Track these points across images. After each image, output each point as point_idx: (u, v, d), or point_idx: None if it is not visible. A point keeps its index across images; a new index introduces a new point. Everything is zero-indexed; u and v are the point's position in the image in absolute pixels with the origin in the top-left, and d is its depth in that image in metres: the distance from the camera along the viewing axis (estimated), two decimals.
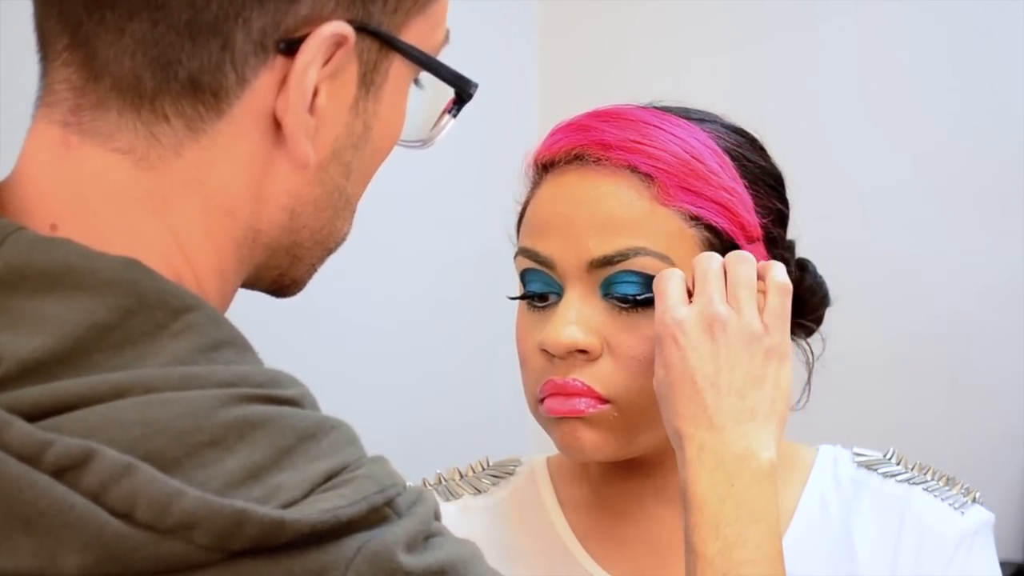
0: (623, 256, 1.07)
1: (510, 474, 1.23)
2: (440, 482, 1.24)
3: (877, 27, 2.39)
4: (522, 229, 1.14)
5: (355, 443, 0.73)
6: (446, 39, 0.84)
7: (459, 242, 2.44)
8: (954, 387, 2.33)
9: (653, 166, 1.08)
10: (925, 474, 1.18)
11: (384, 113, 0.81)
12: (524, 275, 1.12)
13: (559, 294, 1.09)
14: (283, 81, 0.75)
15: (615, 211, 1.08)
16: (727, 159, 1.11)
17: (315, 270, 0.84)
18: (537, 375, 1.09)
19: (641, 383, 1.07)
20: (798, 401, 1.21)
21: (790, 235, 1.17)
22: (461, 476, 1.24)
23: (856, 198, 2.39)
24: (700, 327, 1.02)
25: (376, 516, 0.70)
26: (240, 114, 0.75)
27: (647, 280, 1.06)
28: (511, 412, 2.59)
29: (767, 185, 1.14)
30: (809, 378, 1.21)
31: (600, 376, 1.07)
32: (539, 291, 1.10)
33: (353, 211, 0.83)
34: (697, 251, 1.08)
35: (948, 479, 1.18)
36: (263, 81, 0.74)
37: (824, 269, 1.21)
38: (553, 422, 1.09)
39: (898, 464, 1.19)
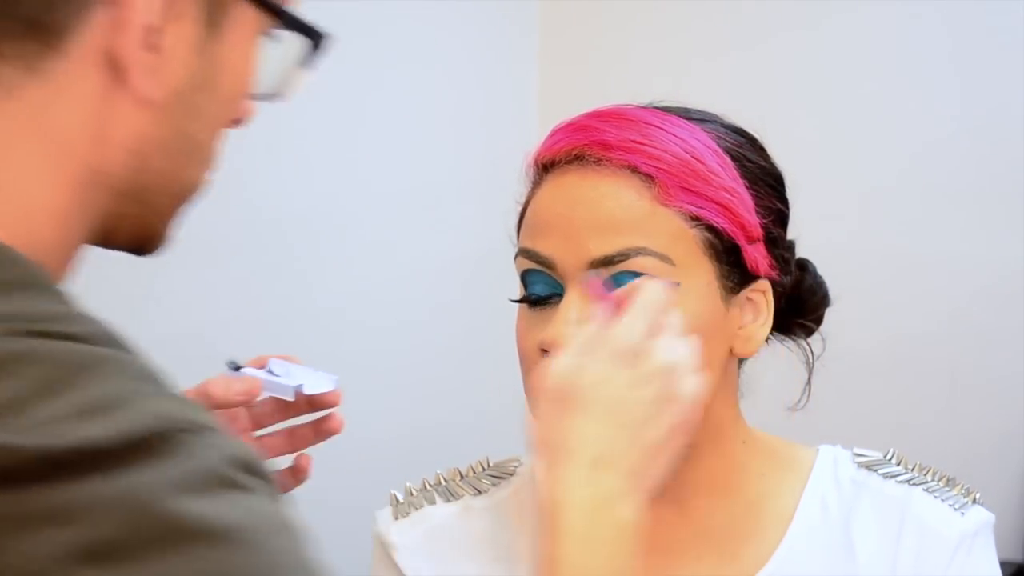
0: (623, 256, 1.07)
1: (511, 474, 1.23)
2: (440, 482, 1.23)
3: (877, 27, 2.39)
4: (522, 230, 1.14)
5: (147, 379, 0.68)
6: None
7: (459, 242, 2.43)
8: (954, 387, 2.33)
9: (654, 166, 1.08)
10: (925, 475, 1.18)
11: (231, 58, 0.80)
12: (525, 276, 1.11)
13: (560, 294, 1.09)
14: (121, 18, 0.74)
15: (615, 211, 1.08)
16: (727, 159, 1.11)
17: (170, 222, 0.83)
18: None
19: None
20: (798, 401, 1.21)
21: (790, 235, 1.17)
22: (461, 476, 1.24)
23: (856, 198, 2.38)
24: (616, 351, 0.94)
25: (145, 450, 0.64)
26: (78, 52, 0.74)
27: None
28: (510, 413, 2.59)
29: (767, 185, 1.13)
30: (809, 378, 1.20)
31: None
32: (541, 294, 1.10)
33: (207, 161, 0.82)
34: (697, 251, 1.08)
35: (948, 479, 1.18)
36: (100, 18, 0.73)
37: (824, 269, 1.21)
38: None
39: (898, 465, 1.19)
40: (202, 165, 0.83)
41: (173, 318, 1.92)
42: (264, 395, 1.07)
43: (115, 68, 0.75)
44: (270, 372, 1.07)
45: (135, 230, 0.82)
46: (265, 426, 1.12)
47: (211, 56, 0.79)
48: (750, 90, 2.42)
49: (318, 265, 2.16)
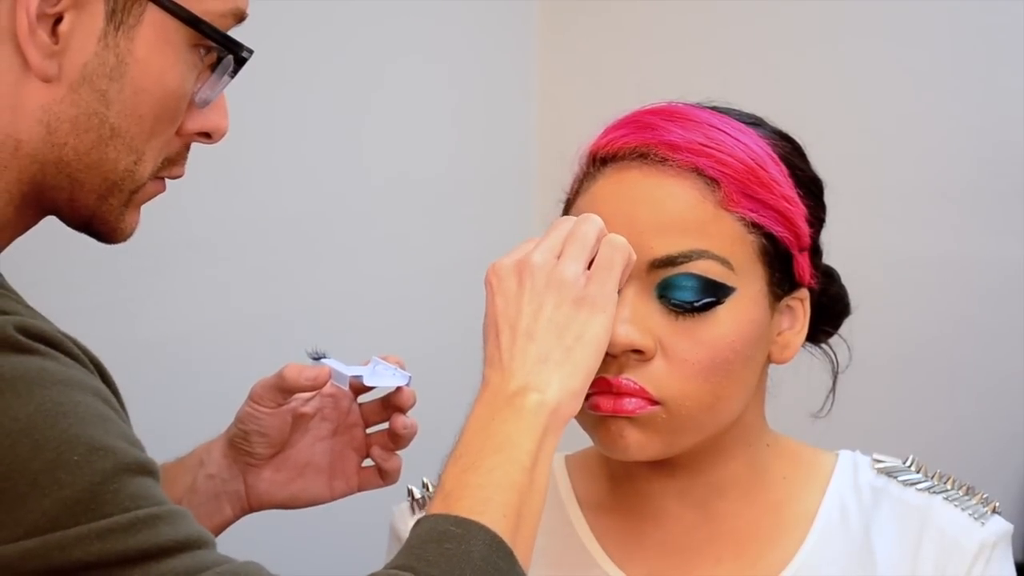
0: (686, 257, 1.07)
1: None
2: None
3: (877, 27, 2.38)
4: None
5: None
6: (237, 17, 0.95)
7: (459, 241, 2.43)
8: (955, 387, 2.33)
9: (719, 171, 1.08)
10: (945, 483, 1.18)
11: (142, 55, 0.91)
12: None
13: None
14: (16, 3, 0.88)
15: (680, 212, 1.08)
16: (784, 167, 1.11)
17: (110, 203, 0.95)
18: None
19: (693, 387, 1.07)
20: (821, 408, 1.21)
21: None
22: None
23: (855, 199, 2.38)
24: (512, 273, 1.02)
25: None
26: None
27: (706, 285, 1.07)
28: None
29: (813, 194, 1.14)
30: (834, 385, 1.21)
31: (653, 377, 1.07)
32: None
33: (130, 148, 0.94)
34: (754, 257, 1.09)
35: (968, 488, 1.18)
36: (6, 3, 0.89)
37: None
38: (597, 420, 1.09)
39: (918, 472, 1.19)
40: (125, 152, 0.94)
41: (173, 317, 1.92)
42: (331, 382, 1.18)
43: (17, 47, 0.89)
44: (371, 367, 1.18)
45: (74, 206, 0.95)
46: (373, 423, 1.23)
47: (117, 48, 0.91)
48: (749, 90, 2.42)
49: (318, 264, 2.16)
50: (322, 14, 2.13)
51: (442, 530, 0.90)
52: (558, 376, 0.98)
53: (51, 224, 0.98)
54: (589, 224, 1.03)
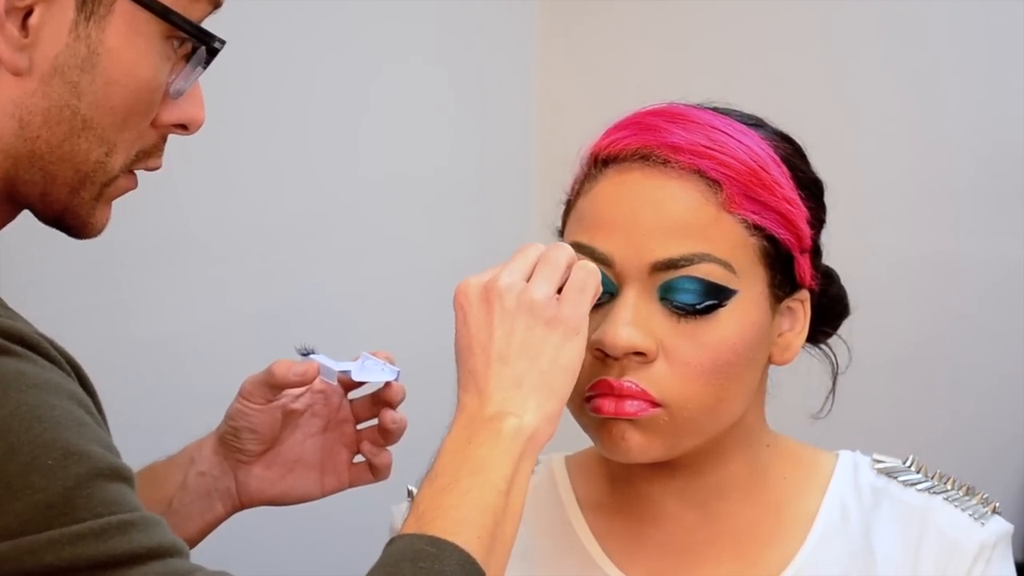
0: (688, 260, 1.06)
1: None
2: None
3: (876, 28, 2.38)
4: (574, 223, 1.12)
5: None
6: (212, 3, 0.95)
7: (458, 241, 2.43)
8: (954, 387, 2.33)
9: (722, 173, 1.08)
10: (945, 483, 1.18)
11: (114, 45, 0.91)
12: None
13: (612, 293, 1.08)
14: None
15: (682, 214, 1.07)
16: (785, 169, 1.11)
17: (81, 197, 0.94)
18: (586, 373, 1.07)
19: (695, 389, 1.07)
20: (821, 409, 1.21)
21: None
22: None
23: (855, 199, 2.38)
24: (480, 295, 1.01)
25: None
26: None
27: (707, 288, 1.06)
28: None
29: (814, 196, 1.14)
30: (833, 386, 1.21)
31: (655, 379, 1.07)
32: None
33: (102, 139, 0.93)
34: (755, 259, 1.09)
35: (968, 488, 1.18)
36: None
37: None
38: (599, 422, 1.08)
39: (918, 472, 1.19)
40: (96, 144, 0.93)
41: (171, 317, 1.92)
42: (320, 378, 1.19)
43: None
44: (360, 363, 1.19)
45: (46, 200, 0.94)
46: (363, 419, 1.23)
47: (88, 39, 0.90)
48: (749, 91, 2.41)
49: (316, 264, 2.15)
50: (321, 14, 2.12)
51: (416, 549, 0.90)
52: (535, 401, 0.99)
53: None
54: (560, 250, 1.03)
